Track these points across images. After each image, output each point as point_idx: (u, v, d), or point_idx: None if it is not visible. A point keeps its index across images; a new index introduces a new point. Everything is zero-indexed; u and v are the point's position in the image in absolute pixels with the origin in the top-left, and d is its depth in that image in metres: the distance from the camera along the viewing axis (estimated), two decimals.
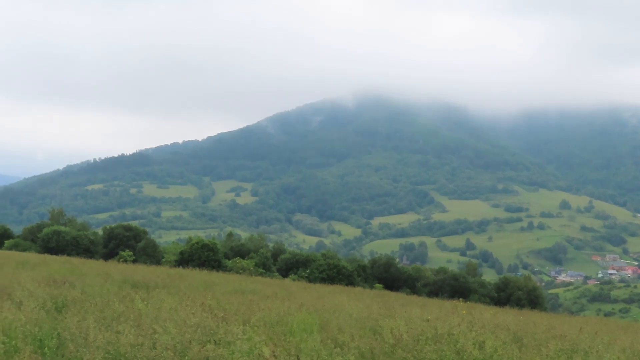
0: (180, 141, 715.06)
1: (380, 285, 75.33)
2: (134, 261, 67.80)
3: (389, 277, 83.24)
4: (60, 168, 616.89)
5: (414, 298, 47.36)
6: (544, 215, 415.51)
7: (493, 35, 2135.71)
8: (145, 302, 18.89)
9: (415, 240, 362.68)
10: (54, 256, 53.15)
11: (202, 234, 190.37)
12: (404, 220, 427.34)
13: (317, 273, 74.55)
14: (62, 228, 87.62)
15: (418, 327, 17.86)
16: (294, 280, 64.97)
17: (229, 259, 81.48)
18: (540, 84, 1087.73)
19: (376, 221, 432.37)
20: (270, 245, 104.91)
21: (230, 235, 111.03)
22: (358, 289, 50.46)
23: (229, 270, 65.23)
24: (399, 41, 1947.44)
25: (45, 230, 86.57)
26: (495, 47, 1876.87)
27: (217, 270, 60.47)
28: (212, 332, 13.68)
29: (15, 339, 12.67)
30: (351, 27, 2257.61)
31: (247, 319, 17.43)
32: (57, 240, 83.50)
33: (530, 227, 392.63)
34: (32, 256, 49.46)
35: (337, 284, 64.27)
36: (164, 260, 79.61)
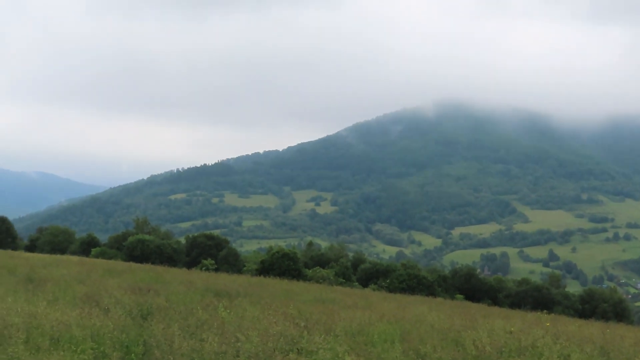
0: (261, 151, 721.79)
1: (461, 296, 74.47)
2: (216, 270, 68.57)
3: (470, 288, 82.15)
4: (145, 178, 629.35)
5: (496, 309, 46.56)
6: (630, 226, 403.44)
7: (576, 42, 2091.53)
8: (228, 311, 19.05)
9: (496, 250, 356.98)
10: (139, 264, 54.10)
11: (283, 243, 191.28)
12: (485, 230, 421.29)
13: (397, 283, 74.05)
14: (147, 237, 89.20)
15: (501, 339, 17.56)
16: (374, 290, 64.77)
17: (309, 268, 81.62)
18: (625, 91, 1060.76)
19: (457, 231, 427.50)
20: (350, 254, 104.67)
21: (310, 244, 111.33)
22: (439, 300, 49.96)
23: (309, 280, 65.41)
24: (479, 49, 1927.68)
25: (130, 238, 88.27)
26: (578, 53, 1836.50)
27: (298, 280, 60.64)
28: (294, 341, 13.71)
29: (104, 345, 12.94)
30: (430, 36, 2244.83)
31: (329, 329, 17.40)
32: (141, 249, 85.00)
33: (616, 238, 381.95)
34: (118, 264, 50.47)
35: (417, 294, 63.75)
36: (245, 269, 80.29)
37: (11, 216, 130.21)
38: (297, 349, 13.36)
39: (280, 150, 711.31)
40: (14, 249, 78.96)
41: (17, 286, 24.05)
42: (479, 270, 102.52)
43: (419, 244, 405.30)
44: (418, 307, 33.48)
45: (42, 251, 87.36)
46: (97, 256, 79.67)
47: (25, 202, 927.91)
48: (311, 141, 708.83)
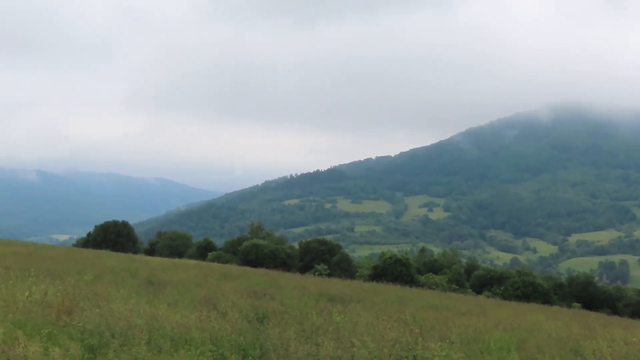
0: (373, 157, 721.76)
1: (578, 305, 72.35)
2: (329, 275, 68.98)
3: (587, 296, 79.73)
4: (259, 184, 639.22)
5: (616, 319, 45.03)
6: None
7: None
8: (343, 316, 19.13)
9: (615, 258, 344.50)
10: (254, 268, 54.99)
11: (395, 249, 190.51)
12: (604, 237, 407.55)
13: (512, 290, 72.64)
14: (261, 241, 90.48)
15: (622, 350, 16.99)
16: (488, 297, 63.74)
17: (422, 275, 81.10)
18: None
19: (573, 238, 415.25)
20: (464, 261, 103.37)
21: (423, 250, 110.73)
22: (555, 308, 48.75)
23: (422, 286, 64.98)
24: (596, 51, 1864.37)
25: (245, 243, 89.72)
26: None
27: (410, 286, 60.38)
28: (409, 347, 13.65)
29: (222, 348, 13.21)
30: (545, 39, 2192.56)
31: (444, 336, 17.23)
32: (256, 253, 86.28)
33: None
34: (233, 268, 51.39)
35: (532, 302, 62.34)
36: (357, 274, 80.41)
37: (132, 220, 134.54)
38: (413, 355, 13.29)
39: (393, 155, 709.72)
40: (135, 252, 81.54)
41: (139, 288, 24.85)
42: (597, 278, 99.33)
43: (534, 250, 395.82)
44: (534, 315, 32.76)
45: (161, 255, 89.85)
46: (213, 260, 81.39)
47: (146, 207, 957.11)
48: (423, 146, 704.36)
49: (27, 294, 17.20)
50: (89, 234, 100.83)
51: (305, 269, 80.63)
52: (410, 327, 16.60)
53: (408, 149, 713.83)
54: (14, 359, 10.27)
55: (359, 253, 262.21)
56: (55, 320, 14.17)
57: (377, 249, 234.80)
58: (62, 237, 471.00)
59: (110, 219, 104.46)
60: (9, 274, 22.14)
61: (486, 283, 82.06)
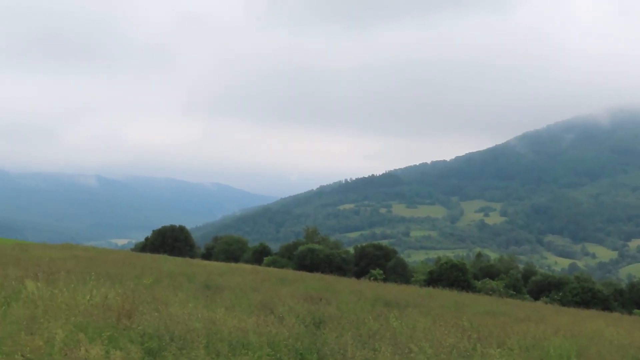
0: (428, 161, 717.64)
1: None
2: (384, 280, 68.78)
3: None
4: (314, 189, 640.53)
5: None
6: None
7: None
8: (399, 321, 19.05)
9: None
10: (309, 273, 55.05)
11: (451, 254, 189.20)
12: None
13: (571, 296, 71.62)
14: (316, 246, 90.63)
15: None
16: (546, 303, 62.94)
17: (478, 280, 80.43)
18: None
19: (634, 243, 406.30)
20: (521, 266, 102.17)
21: (479, 255, 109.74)
22: (615, 315, 47.85)
23: (478, 291, 64.48)
24: None
25: (301, 248, 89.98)
26: None
27: (467, 291, 59.89)
28: (467, 353, 13.54)
29: (280, 352, 13.27)
30: (604, 41, 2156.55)
31: (502, 342, 17.04)
32: (311, 258, 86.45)
33: None
34: (289, 273, 51.56)
35: (591, 308, 61.42)
36: (413, 279, 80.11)
37: (189, 225, 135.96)
38: None
39: (448, 160, 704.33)
40: (192, 256, 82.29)
41: (196, 293, 25.09)
42: None
43: (593, 256, 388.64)
44: (594, 321, 32.20)
45: (217, 259, 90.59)
46: (269, 265, 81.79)
47: (202, 212, 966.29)
48: (479, 151, 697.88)
49: (88, 297, 17.49)
50: (147, 239, 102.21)
51: (360, 273, 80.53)
52: (468, 332, 16.48)
53: (464, 153, 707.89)
54: None
55: (415, 258, 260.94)
56: (115, 323, 14.38)
57: (433, 254, 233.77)
58: (121, 242, 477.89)
59: (167, 223, 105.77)
60: (71, 278, 22.55)
61: (544, 289, 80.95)
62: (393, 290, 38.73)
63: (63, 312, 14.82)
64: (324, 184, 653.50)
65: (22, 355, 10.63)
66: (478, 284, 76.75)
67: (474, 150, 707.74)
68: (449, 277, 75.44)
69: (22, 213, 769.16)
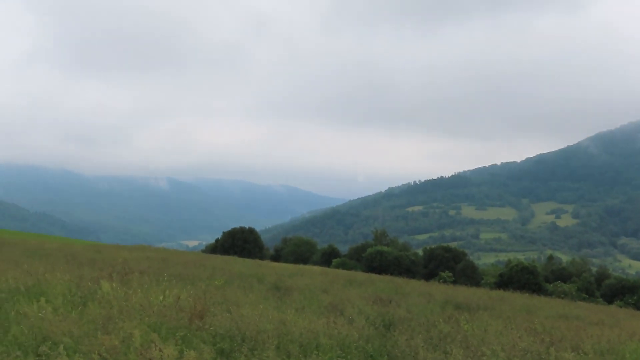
0: (498, 163, 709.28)
1: None
2: (454, 282, 68.25)
3: None
4: (382, 190, 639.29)
5: None
6: None
7: None
8: (470, 324, 18.89)
9: None
10: (378, 275, 54.96)
11: (521, 257, 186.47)
12: None
13: None
14: (385, 248, 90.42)
15: None
16: (620, 307, 61.62)
17: (550, 283, 79.19)
18: None
19: None
20: (594, 269, 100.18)
21: (550, 258, 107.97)
22: None
23: (550, 295, 63.37)
24: None
25: (369, 250, 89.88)
26: None
27: (538, 294, 58.99)
28: (541, 357, 13.34)
29: (350, 354, 13.28)
30: None
31: (576, 346, 16.71)
32: (380, 260, 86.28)
33: None
34: (358, 274, 51.57)
35: None
36: (482, 282, 79.30)
37: (258, 227, 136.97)
38: None
39: (519, 161, 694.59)
40: (261, 258, 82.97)
41: (266, 294, 25.28)
42: None
43: None
44: None
45: (286, 261, 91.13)
46: (337, 266, 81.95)
47: (271, 213, 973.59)
48: (550, 152, 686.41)
49: (161, 298, 17.78)
50: (217, 240, 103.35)
51: (429, 276, 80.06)
52: (541, 336, 16.23)
53: (534, 155, 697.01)
54: None
55: (484, 260, 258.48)
56: (188, 324, 14.58)
57: (503, 257, 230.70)
58: (192, 243, 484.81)
59: (237, 225, 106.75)
60: (144, 279, 22.96)
61: (618, 292, 79.19)
62: (463, 292, 38.36)
63: (137, 312, 15.09)
64: (391, 185, 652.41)
65: (99, 354, 10.87)
66: (550, 287, 75.58)
67: (545, 152, 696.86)
68: (520, 279, 74.46)
69: (96, 215, 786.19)
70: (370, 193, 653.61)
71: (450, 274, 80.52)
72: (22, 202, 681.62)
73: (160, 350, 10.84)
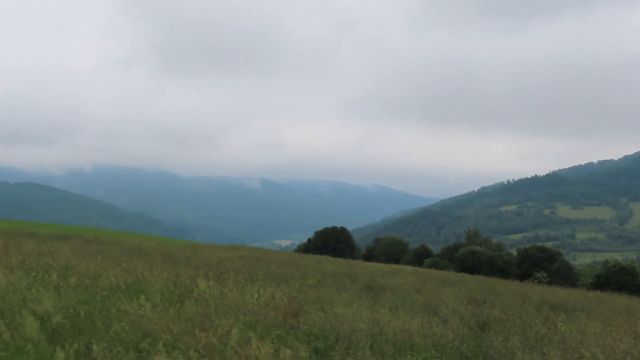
0: (594, 161, 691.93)
1: None
2: (549, 283, 66.94)
3: None
4: (475, 190, 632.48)
5: None
6: None
7: None
8: (568, 325, 18.51)
9: None
10: (471, 275, 54.38)
11: (619, 257, 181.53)
12: None
13: None
14: (478, 248, 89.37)
15: None
16: None
17: None
18: None
19: None
20: None
21: None
22: None
23: None
24: None
25: (462, 249, 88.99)
26: None
27: (637, 296, 57.27)
28: None
29: (445, 354, 13.21)
30: None
31: None
32: (472, 260, 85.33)
33: None
34: (451, 274, 51.11)
35: None
36: (579, 282, 77.53)
37: (350, 227, 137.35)
38: None
39: (616, 159, 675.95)
40: (353, 258, 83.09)
41: (360, 293, 25.33)
42: None
43: None
44: None
45: (378, 260, 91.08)
46: (429, 266, 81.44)
47: (363, 213, 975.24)
48: None
49: (256, 296, 18.02)
50: (309, 240, 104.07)
51: (523, 276, 78.72)
52: None
53: (633, 152, 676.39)
54: (248, 359, 10.80)
55: (580, 261, 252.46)
56: (282, 322, 14.74)
57: (600, 257, 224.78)
58: (284, 243, 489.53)
59: (329, 225, 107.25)
60: (239, 277, 23.31)
61: None
62: (559, 293, 37.55)
63: (233, 310, 15.34)
64: (482, 184, 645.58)
65: (197, 351, 11.10)
66: None
67: None
68: (618, 280, 72.45)
69: (191, 215, 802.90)
70: (462, 192, 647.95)
71: (545, 274, 79.00)
72: (120, 203, 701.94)
73: (257, 348, 11.00)
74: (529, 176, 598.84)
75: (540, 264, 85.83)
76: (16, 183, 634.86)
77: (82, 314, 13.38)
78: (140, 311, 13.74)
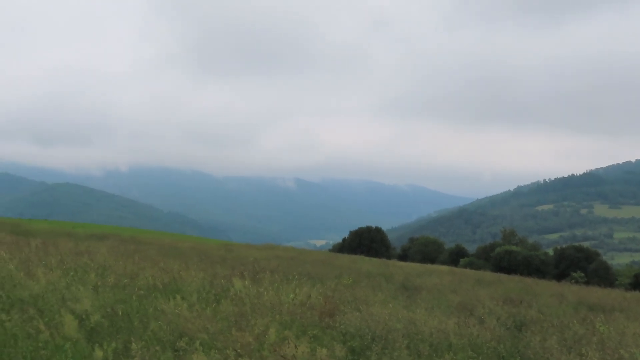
0: (632, 160, 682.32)
1: None
2: (586, 283, 66.30)
3: None
4: (510, 189, 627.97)
5: None
6: None
7: None
8: (606, 326, 18.30)
9: None
10: (507, 275, 54.03)
11: None
12: None
13: None
14: (514, 248, 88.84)
15: None
16: None
17: None
18: None
19: None
20: None
21: None
22: None
23: None
24: None
25: (498, 249, 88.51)
26: None
27: None
28: None
29: (482, 355, 13.13)
30: None
31: None
32: (508, 260, 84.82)
33: None
34: (487, 274, 50.83)
35: None
36: (617, 282, 76.71)
37: (385, 226, 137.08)
38: None
39: None
40: (388, 257, 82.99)
41: (395, 293, 25.29)
42: None
43: None
44: None
45: (413, 260, 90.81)
46: (465, 266, 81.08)
47: (398, 213, 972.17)
48: None
49: (292, 296, 18.04)
50: (344, 240, 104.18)
51: (560, 276, 78.05)
52: None
53: None
54: (285, 358, 10.83)
55: (618, 261, 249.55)
56: (318, 322, 14.76)
57: (638, 257, 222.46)
58: (319, 242, 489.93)
59: (363, 224, 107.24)
60: (274, 277, 23.37)
61: None
62: (596, 293, 37.12)
63: (269, 310, 15.38)
64: (518, 184, 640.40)
65: (234, 350, 11.14)
66: None
67: None
68: None
69: (226, 215, 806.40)
70: (496, 192, 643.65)
71: (582, 274, 78.31)
72: (156, 203, 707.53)
73: (294, 347, 11.04)
74: (566, 175, 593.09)
75: (577, 264, 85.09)
76: (54, 183, 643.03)
77: (120, 313, 13.51)
78: (177, 310, 13.83)
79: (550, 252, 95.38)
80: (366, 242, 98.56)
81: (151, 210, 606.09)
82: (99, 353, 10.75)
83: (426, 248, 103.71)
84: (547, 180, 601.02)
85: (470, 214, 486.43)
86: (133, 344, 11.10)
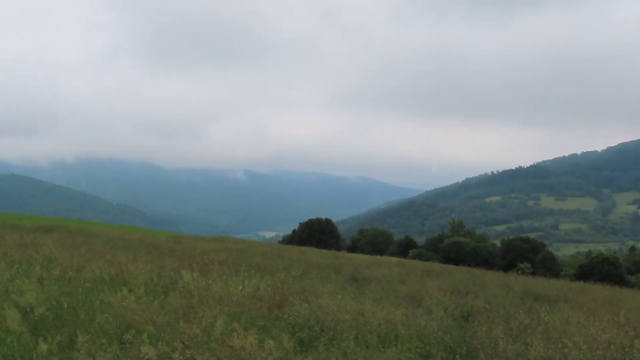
0: (578, 152, 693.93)
1: None
2: (532, 273, 67.30)
3: None
4: (459, 181, 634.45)
5: None
6: None
7: None
8: (551, 316, 18.60)
9: None
10: (455, 266, 54.50)
11: (602, 248, 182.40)
12: None
13: None
14: (462, 239, 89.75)
15: None
16: None
17: (632, 274, 77.41)
18: None
19: None
20: None
21: (632, 249, 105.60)
22: None
23: (632, 286, 61.91)
24: None
25: (446, 241, 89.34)
26: None
27: (620, 286, 57.66)
28: (625, 350, 13.06)
29: (429, 345, 13.24)
30: None
31: None
32: (457, 251, 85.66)
33: None
34: (435, 265, 51.22)
35: None
36: (562, 273, 78.03)
37: (335, 218, 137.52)
38: (629, 359, 12.71)
39: (599, 150, 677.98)
40: (338, 249, 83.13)
41: (344, 284, 25.38)
42: None
43: None
44: None
45: (362, 251, 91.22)
46: (414, 257, 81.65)
47: (348, 204, 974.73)
48: (633, 141, 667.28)
49: (240, 288, 18.01)
50: (294, 231, 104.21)
51: (507, 267, 79.16)
52: (625, 329, 15.84)
53: (616, 144, 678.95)
54: (233, 349, 10.80)
55: (564, 252, 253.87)
56: (267, 313, 14.75)
57: (583, 248, 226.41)
58: (269, 234, 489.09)
59: (313, 216, 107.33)
60: (223, 269, 23.29)
61: None
62: (542, 284, 37.65)
63: (217, 301, 15.33)
64: (466, 176, 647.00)
65: (181, 342, 11.08)
66: (632, 278, 73.89)
67: (628, 140, 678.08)
68: (601, 271, 72.98)
69: (176, 207, 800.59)
70: (446, 184, 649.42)
71: (529, 265, 79.45)
72: (104, 195, 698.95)
73: (243, 338, 11.01)
74: (513, 167, 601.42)
75: (524, 255, 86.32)
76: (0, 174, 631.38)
77: (66, 306, 13.34)
78: (124, 303, 13.70)
79: (498, 243, 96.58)
80: (316, 233, 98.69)
81: (99, 202, 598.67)
82: (43, 346, 10.60)
83: (375, 239, 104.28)
84: (495, 172, 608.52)
85: (419, 206, 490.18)
86: (79, 337, 10.97)
